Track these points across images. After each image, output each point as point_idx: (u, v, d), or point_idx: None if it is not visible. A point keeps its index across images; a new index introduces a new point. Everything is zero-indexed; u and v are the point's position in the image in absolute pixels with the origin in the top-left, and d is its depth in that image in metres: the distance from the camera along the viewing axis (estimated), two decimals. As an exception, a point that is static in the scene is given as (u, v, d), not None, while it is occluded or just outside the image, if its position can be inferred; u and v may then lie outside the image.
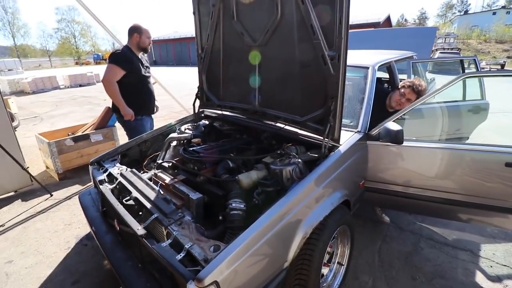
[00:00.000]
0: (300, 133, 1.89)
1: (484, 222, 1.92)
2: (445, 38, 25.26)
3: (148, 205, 1.46)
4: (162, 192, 1.57)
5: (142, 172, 2.03)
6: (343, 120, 1.99)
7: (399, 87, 2.30)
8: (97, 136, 3.75)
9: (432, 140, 1.84)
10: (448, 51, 18.18)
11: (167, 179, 1.68)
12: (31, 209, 2.84)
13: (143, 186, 1.61)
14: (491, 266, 1.98)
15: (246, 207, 1.43)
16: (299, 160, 1.62)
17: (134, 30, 2.75)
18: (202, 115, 2.73)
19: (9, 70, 20.49)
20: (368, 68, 2.20)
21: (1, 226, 2.57)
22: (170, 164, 1.89)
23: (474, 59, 3.06)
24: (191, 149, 1.95)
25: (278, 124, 2.06)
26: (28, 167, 3.05)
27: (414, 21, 58.88)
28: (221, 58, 2.33)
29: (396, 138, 1.69)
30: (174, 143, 2.18)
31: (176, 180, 1.68)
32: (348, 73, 2.38)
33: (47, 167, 3.80)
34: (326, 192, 1.55)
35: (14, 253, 2.23)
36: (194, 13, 2.39)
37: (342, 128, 1.88)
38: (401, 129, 1.67)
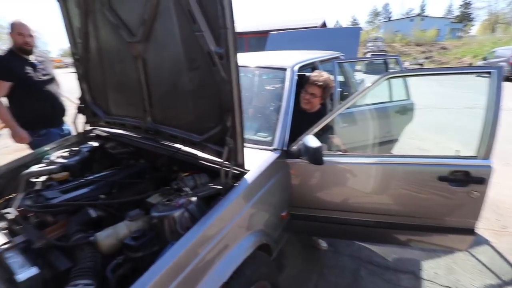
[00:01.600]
0: (202, 157, 1.43)
1: (423, 242, 1.70)
2: (374, 42, 27.78)
3: None
4: None
5: None
6: (259, 135, 1.62)
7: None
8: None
9: (359, 153, 1.54)
10: (377, 53, 19.93)
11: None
12: None
13: None
14: (432, 289, 1.78)
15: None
16: (193, 199, 1.16)
17: (11, 28, 2.11)
18: (93, 134, 2.09)
19: None
20: (285, 69, 1.85)
21: None
22: (13, 217, 1.25)
23: (396, 58, 3.00)
24: (42, 192, 1.34)
25: (176, 145, 1.57)
26: None
27: (348, 26, 64.47)
28: (101, 59, 1.75)
29: (315, 156, 1.33)
30: (42, 178, 1.53)
31: (7, 246, 1.06)
32: (265, 76, 2.07)
33: None
34: (229, 241, 1.11)
35: None
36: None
37: (256, 145, 1.50)
38: (320, 145, 1.32)
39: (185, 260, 0.93)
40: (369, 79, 3.60)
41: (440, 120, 5.76)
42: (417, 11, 55.50)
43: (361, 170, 1.53)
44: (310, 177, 1.57)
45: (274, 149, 1.48)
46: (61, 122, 2.41)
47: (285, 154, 1.51)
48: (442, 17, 43.05)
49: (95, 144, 1.91)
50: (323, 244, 2.09)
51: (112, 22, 1.51)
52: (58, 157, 1.71)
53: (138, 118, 1.71)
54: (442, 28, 35.49)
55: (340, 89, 2.72)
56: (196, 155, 1.46)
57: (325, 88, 1.85)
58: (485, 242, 2.25)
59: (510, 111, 6.66)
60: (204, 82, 1.24)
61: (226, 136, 1.16)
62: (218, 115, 1.22)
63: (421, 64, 21.17)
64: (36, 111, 2.21)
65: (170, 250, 0.91)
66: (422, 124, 5.44)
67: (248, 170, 1.26)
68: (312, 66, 2.39)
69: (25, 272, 0.93)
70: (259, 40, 15.53)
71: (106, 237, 1.07)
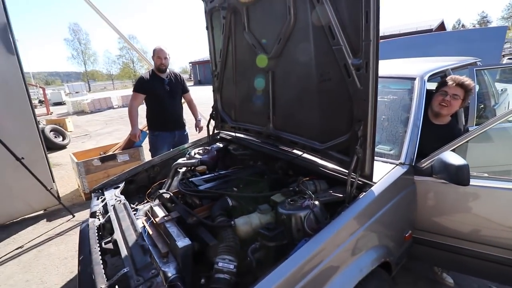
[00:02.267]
0: (321, 164, 1.48)
1: None
2: (515, 43, 22.01)
3: (124, 253, 1.20)
4: (147, 234, 1.31)
5: (145, 201, 1.81)
6: (380, 147, 1.56)
7: (436, 89, 1.78)
8: (124, 156, 3.75)
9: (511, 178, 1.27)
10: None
11: (160, 216, 1.40)
12: (51, 230, 2.84)
13: (128, 225, 1.36)
14: None
15: (237, 267, 1.07)
16: (316, 202, 1.22)
17: (153, 52, 2.80)
18: (218, 137, 2.47)
19: (76, 92, 23.41)
20: (414, 79, 1.72)
21: (20, 247, 2.58)
22: (169, 196, 1.62)
23: None
24: (191, 179, 1.67)
25: (295, 151, 1.68)
26: (51, 188, 3.10)
27: (474, 26, 52.96)
28: (234, 74, 2.07)
29: (459, 176, 1.18)
30: (184, 169, 1.93)
31: (167, 218, 1.39)
32: (388, 86, 1.96)
33: (78, 186, 3.91)
34: (353, 252, 1.11)
35: (20, 280, 2.16)
36: (207, 28, 2.20)
37: (378, 158, 1.45)
38: (465, 164, 1.16)
39: (316, 259, 0.98)
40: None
41: None
42: None
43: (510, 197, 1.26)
44: (444, 199, 1.39)
45: (401, 164, 1.39)
46: (174, 128, 2.90)
47: (413, 170, 1.40)
48: None
49: (221, 145, 2.26)
50: (449, 279, 1.78)
51: (249, 42, 1.78)
52: (196, 153, 2.10)
53: (261, 124, 1.91)
54: None
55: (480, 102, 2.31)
56: (316, 161, 1.52)
57: (468, 91, 1.65)
58: None
59: None
60: (334, 92, 1.30)
61: (356, 146, 1.17)
62: (346, 124, 1.26)
63: None
64: (156, 116, 2.84)
65: (305, 245, 0.98)
66: None
67: (375, 183, 1.23)
68: (443, 75, 2.15)
69: (182, 241, 1.18)
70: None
71: (243, 224, 1.24)
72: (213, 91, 2.35)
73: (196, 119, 3.13)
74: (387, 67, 2.11)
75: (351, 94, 1.19)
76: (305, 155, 1.59)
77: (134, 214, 1.53)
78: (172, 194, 1.60)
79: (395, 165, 1.39)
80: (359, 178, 1.22)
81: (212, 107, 2.38)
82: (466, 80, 1.67)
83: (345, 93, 1.22)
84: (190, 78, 40.88)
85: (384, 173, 1.32)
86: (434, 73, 1.86)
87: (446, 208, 1.41)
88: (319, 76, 1.35)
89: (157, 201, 1.60)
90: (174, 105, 2.89)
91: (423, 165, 1.37)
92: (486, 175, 1.33)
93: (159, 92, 2.77)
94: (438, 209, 1.42)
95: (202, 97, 10.11)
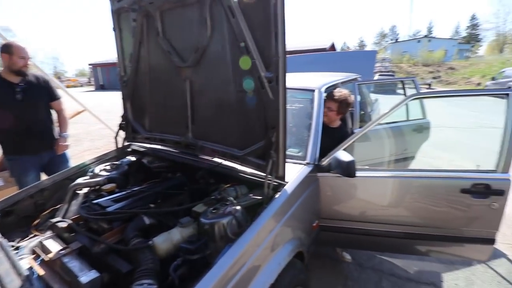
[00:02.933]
0: (241, 170, 1.57)
1: (443, 253, 1.78)
2: (382, 62, 28.28)
3: None
4: (37, 277, 1.08)
5: (32, 236, 1.46)
6: (290, 150, 1.76)
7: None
8: (-1, 178, 2.98)
9: (385, 168, 1.67)
10: (385, 73, 20.29)
11: (55, 250, 1.19)
12: None
13: (8, 270, 1.08)
14: (456, 302, 1.83)
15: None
16: (237, 207, 1.28)
17: (3, 49, 2.03)
18: (129, 149, 2.26)
19: None
20: (313, 91, 2.02)
21: None
22: (66, 225, 1.35)
23: (413, 80, 3.16)
24: (95, 201, 1.47)
25: (216, 159, 1.72)
26: None
27: (355, 48, 65.75)
28: (148, 81, 1.96)
29: (348, 170, 1.46)
30: (85, 190, 1.67)
31: (65, 252, 1.17)
32: (293, 97, 2.24)
33: None
34: (272, 248, 1.22)
35: None
36: (114, 29, 2.01)
37: (289, 160, 1.62)
38: (352, 160, 1.46)
39: (239, 262, 1.04)
40: (382, 99, 3.74)
41: (452, 138, 5.83)
42: (424, 32, 56.64)
43: (388, 183, 1.65)
44: (339, 190, 1.69)
45: (307, 163, 1.61)
46: (38, 150, 2.20)
47: (317, 168, 1.65)
48: (449, 38, 43.75)
49: (133, 158, 2.03)
50: (348, 256, 2.17)
51: (164, 49, 1.73)
52: (101, 170, 1.82)
53: (179, 134, 1.87)
54: (449, 49, 35.95)
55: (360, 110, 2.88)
56: (236, 168, 1.60)
57: (341, 102, 2.01)
58: (502, 255, 2.30)
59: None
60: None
61: (270, 150, 1.30)
62: (262, 131, 1.38)
63: (429, 84, 21.39)
64: (9, 135, 2.10)
65: (229, 251, 1.03)
66: (435, 143, 5.53)
67: (287, 182, 1.39)
68: (335, 87, 2.58)
69: (87, 275, 1.04)
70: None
71: (163, 241, 1.19)
72: (123, 98, 2.15)
73: (60, 135, 2.32)
74: (293, 79, 2.41)
75: (265, 104, 1.32)
76: (226, 163, 1.65)
77: (16, 253, 1.23)
78: (70, 222, 1.36)
79: (302, 165, 1.60)
80: (274, 180, 1.35)
81: (122, 116, 2.18)
82: (337, 94, 2.03)
83: (260, 103, 1.34)
84: (89, 82, 35.56)
85: (294, 173, 1.51)
86: (329, 86, 2.22)
87: (341, 197, 1.71)
88: (236, 86, 1.44)
89: (49, 233, 1.34)
90: (35, 119, 2.16)
91: (323, 163, 1.63)
92: (367, 167, 1.69)
93: (8, 102, 2.05)
94: (335, 198, 1.71)
95: (106, 104, 8.99)
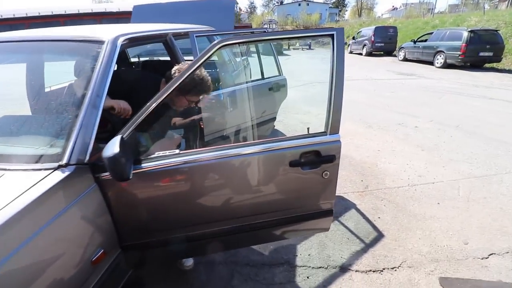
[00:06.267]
0: None
1: (290, 231, 1.51)
2: (269, 24, 29.03)
3: None
4: None
5: None
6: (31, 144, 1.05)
7: None
8: None
9: (195, 151, 1.17)
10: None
11: None
12: None
13: None
14: (307, 277, 1.66)
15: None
16: None
17: None
18: None
19: None
20: (102, 43, 1.27)
21: None
22: None
23: (265, 30, 2.78)
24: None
25: None
26: None
27: (247, 9, 65.08)
28: None
29: (114, 171, 0.88)
30: None
31: None
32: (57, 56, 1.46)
33: None
34: None
35: None
36: None
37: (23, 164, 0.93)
38: (115, 154, 0.87)
39: None
40: (265, 60, 3.31)
41: (322, 93, 6.25)
42: (303, -5, 60.78)
43: (200, 170, 1.17)
44: (132, 195, 1.11)
45: (65, 165, 0.93)
46: None
47: (91, 169, 1.01)
48: (323, 3, 48.64)
49: None
50: (187, 263, 1.70)
51: None
52: None
53: None
54: (323, 13, 40.23)
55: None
56: None
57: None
58: (352, 205, 2.35)
59: (376, 80, 7.86)
60: None
61: None
62: None
63: (309, 45, 23.29)
64: None
65: None
66: (305, 99, 5.79)
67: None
68: (164, 41, 1.93)
69: None
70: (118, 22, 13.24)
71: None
72: None
73: None
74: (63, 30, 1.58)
75: None
76: None
77: None
78: None
79: (50, 170, 0.92)
80: None
81: None
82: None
83: None
84: None
85: (24, 188, 0.82)
86: (136, 37, 1.49)
87: (139, 203, 1.14)
88: None
89: None
90: None
91: (94, 160, 1.00)
92: (161, 154, 1.16)
93: None
94: (134, 205, 1.14)
95: None
